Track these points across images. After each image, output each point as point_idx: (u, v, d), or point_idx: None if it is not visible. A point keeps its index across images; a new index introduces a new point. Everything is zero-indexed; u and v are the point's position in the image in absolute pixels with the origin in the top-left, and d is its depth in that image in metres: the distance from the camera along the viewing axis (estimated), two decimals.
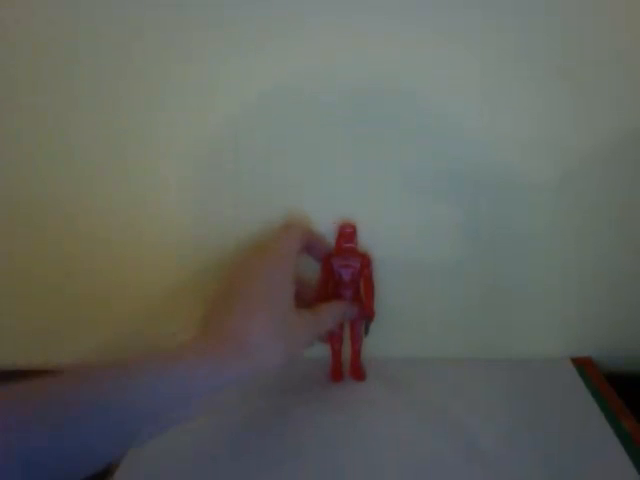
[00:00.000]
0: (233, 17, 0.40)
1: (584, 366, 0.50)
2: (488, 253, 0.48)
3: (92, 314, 0.52)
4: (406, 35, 0.40)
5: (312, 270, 0.48)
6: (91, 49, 0.41)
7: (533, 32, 0.40)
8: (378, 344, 0.49)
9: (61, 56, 0.42)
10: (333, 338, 0.49)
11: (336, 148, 0.44)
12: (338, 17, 0.40)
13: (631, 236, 0.47)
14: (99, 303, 0.51)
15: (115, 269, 0.50)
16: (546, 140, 0.43)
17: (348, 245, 0.46)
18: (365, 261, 0.47)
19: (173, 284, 0.51)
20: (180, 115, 0.43)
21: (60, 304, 0.52)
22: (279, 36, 0.40)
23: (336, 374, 0.50)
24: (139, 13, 0.40)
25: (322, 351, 0.49)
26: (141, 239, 0.49)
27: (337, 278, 0.47)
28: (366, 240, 0.47)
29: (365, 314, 0.47)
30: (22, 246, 0.49)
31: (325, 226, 0.47)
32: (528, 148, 0.44)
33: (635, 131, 0.43)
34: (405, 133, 0.43)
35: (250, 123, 0.44)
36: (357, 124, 0.43)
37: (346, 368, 0.50)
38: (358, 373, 0.50)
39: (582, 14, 0.39)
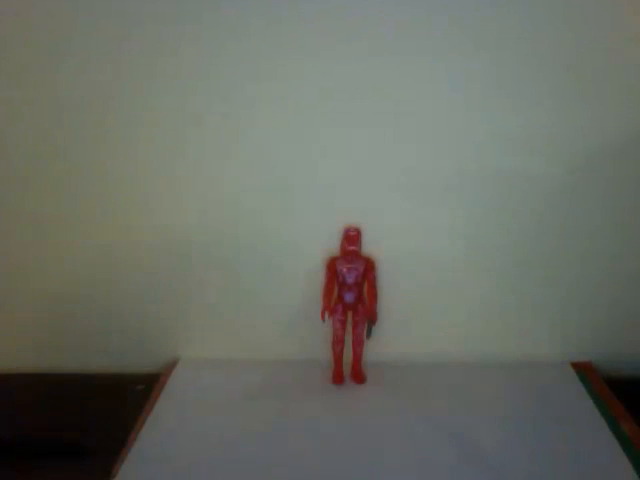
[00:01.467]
0: (232, 16, 0.40)
1: (584, 371, 0.51)
2: (490, 258, 0.48)
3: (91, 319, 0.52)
4: (406, 29, 0.41)
5: (315, 270, 0.48)
6: (85, 47, 0.41)
7: (535, 18, 0.40)
8: (379, 347, 0.50)
9: (57, 51, 0.41)
10: (335, 341, 0.49)
11: (337, 148, 0.45)
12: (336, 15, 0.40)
13: (631, 243, 0.48)
14: (99, 309, 0.52)
15: (114, 274, 0.50)
16: (549, 144, 0.44)
17: (352, 248, 0.46)
18: (369, 264, 0.47)
19: (175, 293, 0.51)
20: (179, 114, 0.44)
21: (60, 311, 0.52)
22: (277, 32, 0.41)
23: (337, 377, 0.50)
24: (138, 8, 0.40)
25: (324, 354, 0.50)
26: (139, 238, 0.49)
27: (341, 280, 0.47)
28: (370, 244, 0.47)
29: (368, 317, 0.48)
30: (22, 245, 0.49)
31: (330, 229, 0.47)
32: (531, 151, 0.44)
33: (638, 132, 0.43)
34: (405, 135, 0.44)
35: (249, 122, 0.44)
36: (358, 124, 0.44)
37: (347, 371, 0.50)
38: (359, 376, 0.50)
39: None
